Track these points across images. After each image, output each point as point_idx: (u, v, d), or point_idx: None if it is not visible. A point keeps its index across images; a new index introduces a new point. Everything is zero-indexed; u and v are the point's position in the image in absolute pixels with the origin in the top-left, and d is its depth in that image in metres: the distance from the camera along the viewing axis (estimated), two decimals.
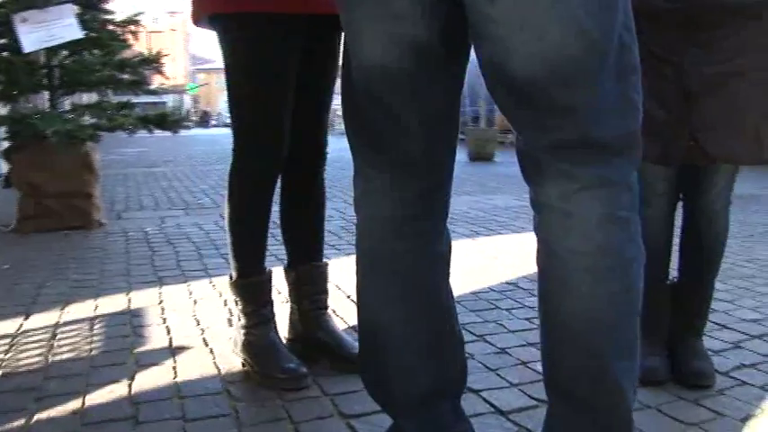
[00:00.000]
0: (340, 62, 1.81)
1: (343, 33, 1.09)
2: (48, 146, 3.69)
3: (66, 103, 4.23)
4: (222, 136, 14.64)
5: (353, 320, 2.15)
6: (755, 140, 1.51)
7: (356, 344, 1.76)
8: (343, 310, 2.33)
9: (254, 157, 1.68)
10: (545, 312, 1.03)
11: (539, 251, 1.04)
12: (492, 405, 1.59)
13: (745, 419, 1.50)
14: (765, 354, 1.90)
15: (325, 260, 1.92)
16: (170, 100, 30.90)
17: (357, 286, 1.15)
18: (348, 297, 2.48)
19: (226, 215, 1.78)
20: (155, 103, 9.50)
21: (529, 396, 1.62)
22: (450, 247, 1.17)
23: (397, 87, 1.02)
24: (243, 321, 1.82)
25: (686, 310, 1.77)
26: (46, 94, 4.11)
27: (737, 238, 3.63)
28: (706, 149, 1.51)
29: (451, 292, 1.17)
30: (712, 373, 1.69)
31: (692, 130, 1.51)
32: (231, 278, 1.82)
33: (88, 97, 4.55)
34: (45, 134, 3.62)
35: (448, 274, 1.17)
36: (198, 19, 1.69)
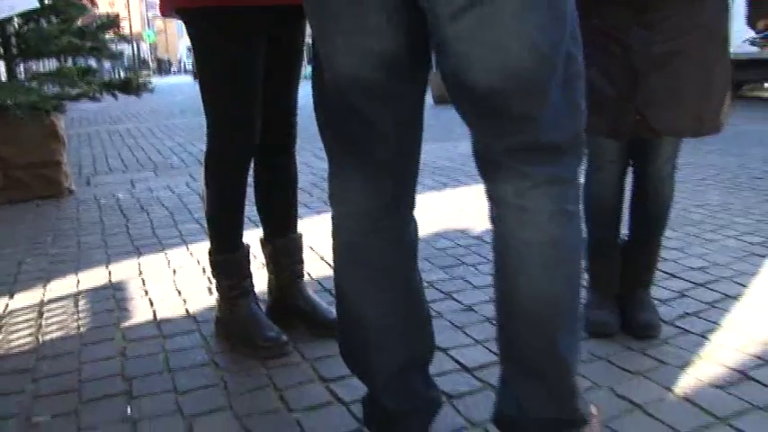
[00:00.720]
0: (304, 48, 1.88)
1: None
2: (11, 117, 3.67)
3: (24, 72, 4.16)
4: (184, 84, 14.34)
5: (328, 282, 2.28)
6: (696, 116, 1.63)
7: (331, 309, 1.89)
8: (317, 271, 2.45)
9: (227, 144, 1.75)
10: (501, 292, 1.15)
11: (495, 239, 1.15)
12: (458, 362, 1.74)
13: (684, 366, 1.68)
14: (708, 301, 2.08)
15: (299, 231, 2.02)
16: (127, 49, 29.96)
17: (336, 275, 1.25)
18: (321, 258, 2.59)
19: (204, 197, 1.85)
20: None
21: (493, 353, 1.77)
22: (417, 234, 1.28)
23: (371, 96, 1.10)
24: (224, 294, 1.92)
25: (635, 266, 1.92)
26: (2, 64, 4.05)
27: (690, 182, 3.81)
28: (651, 124, 1.63)
29: (420, 276, 1.29)
30: (658, 324, 1.85)
31: (639, 106, 1.62)
32: (211, 254, 1.91)
33: (47, 65, 4.46)
34: (7, 106, 3.59)
35: (416, 259, 1.28)
36: (166, 11, 1.73)
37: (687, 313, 2.00)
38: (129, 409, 1.57)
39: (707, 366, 1.67)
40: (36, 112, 3.63)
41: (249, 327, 1.87)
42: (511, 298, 1.13)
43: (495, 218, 1.15)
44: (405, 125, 1.17)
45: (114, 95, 4.32)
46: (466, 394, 1.57)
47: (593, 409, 1.37)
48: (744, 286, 2.19)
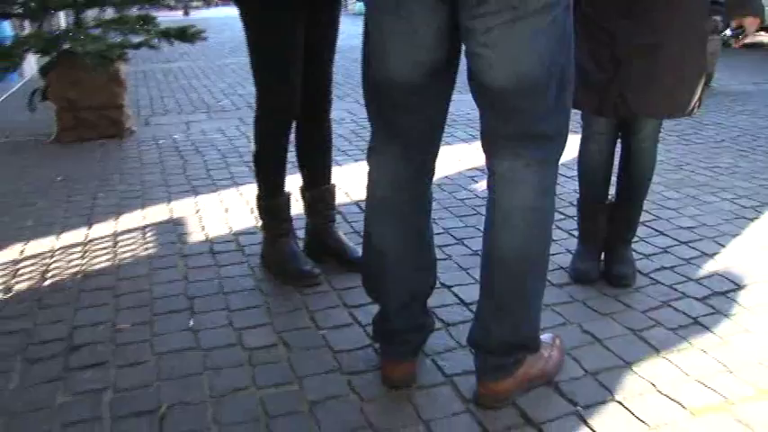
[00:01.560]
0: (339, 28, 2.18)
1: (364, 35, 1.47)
2: (80, 63, 4.06)
3: (90, 20, 4.53)
4: (230, 19, 14.50)
5: (358, 225, 2.64)
6: (669, 100, 1.90)
7: (357, 249, 2.25)
8: (350, 215, 2.81)
9: (272, 110, 2.09)
10: (488, 243, 1.49)
11: (489, 202, 1.48)
12: (458, 297, 2.09)
13: (647, 311, 1.99)
14: (685, 258, 2.36)
15: (332, 182, 2.37)
16: None
17: (366, 220, 1.61)
18: (356, 203, 2.94)
19: (252, 151, 2.21)
20: None
21: None
22: (432, 196, 1.62)
23: (413, 92, 1.43)
24: (268, 233, 2.30)
25: (618, 225, 2.22)
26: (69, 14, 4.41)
27: (708, 143, 4.00)
28: (629, 106, 1.90)
29: (432, 228, 1.64)
30: (633, 276, 2.16)
31: (620, 89, 1.89)
32: (258, 199, 2.28)
33: (108, 14, 4.81)
34: (77, 53, 3.98)
35: (430, 215, 1.62)
36: None
37: (664, 267, 2.30)
38: (191, 322, 1.98)
39: (666, 312, 1.99)
40: (103, 60, 4.01)
41: (288, 261, 2.26)
42: (494, 248, 1.48)
43: (491, 186, 1.48)
44: (435, 113, 1.51)
45: (171, 43, 4.66)
46: (459, 323, 1.93)
47: (557, 341, 1.72)
48: (722, 246, 2.46)
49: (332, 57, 2.19)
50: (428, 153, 1.55)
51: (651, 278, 2.22)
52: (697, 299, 2.06)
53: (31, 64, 6.79)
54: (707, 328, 1.89)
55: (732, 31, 1.89)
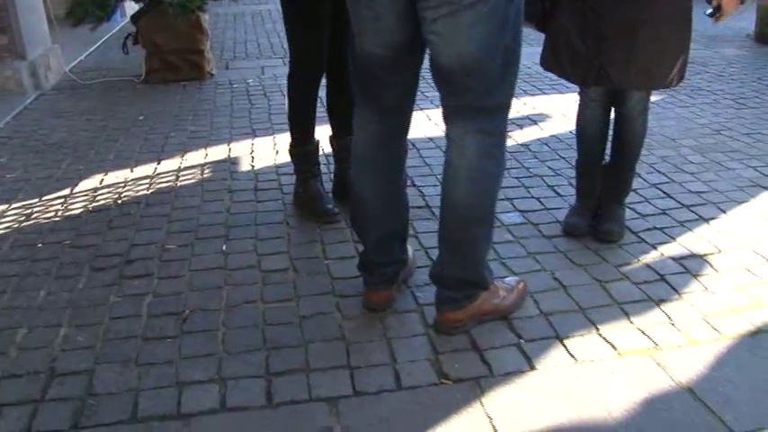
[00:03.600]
0: None
1: None
2: (166, 11, 4.49)
3: None
4: None
5: None
6: (647, 74, 2.04)
7: None
8: None
9: (303, 70, 2.42)
10: (443, 197, 1.76)
11: (444, 163, 1.74)
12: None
13: (620, 266, 2.19)
14: (680, 220, 2.50)
15: None
16: None
17: (351, 171, 1.91)
18: None
19: (287, 104, 2.54)
20: None
21: None
22: (407, 150, 1.90)
23: (385, 65, 1.71)
24: (299, 175, 2.64)
25: (610, 185, 2.39)
26: None
27: (763, 108, 3.95)
28: (611, 78, 2.06)
29: (404, 178, 1.92)
30: (618, 233, 2.34)
31: (603, 63, 2.06)
32: (291, 146, 2.62)
33: None
34: (162, 1, 4.41)
35: (403, 167, 1.90)
36: None
37: (655, 228, 2.46)
38: (224, 246, 2.37)
39: (637, 268, 2.18)
40: (184, 9, 4.42)
41: (315, 199, 2.60)
42: (446, 199, 1.75)
43: (446, 148, 1.73)
44: (406, 83, 1.78)
45: None
46: None
47: (521, 285, 1.98)
48: (723, 212, 2.57)
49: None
50: (400, 116, 1.81)
51: (638, 237, 2.39)
52: (673, 258, 2.23)
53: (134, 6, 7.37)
54: (670, 286, 2.07)
55: (712, 9, 1.99)
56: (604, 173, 2.40)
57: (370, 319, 1.92)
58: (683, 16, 2.01)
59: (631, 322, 1.90)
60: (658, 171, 2.97)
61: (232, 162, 3.21)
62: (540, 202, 2.69)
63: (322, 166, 2.74)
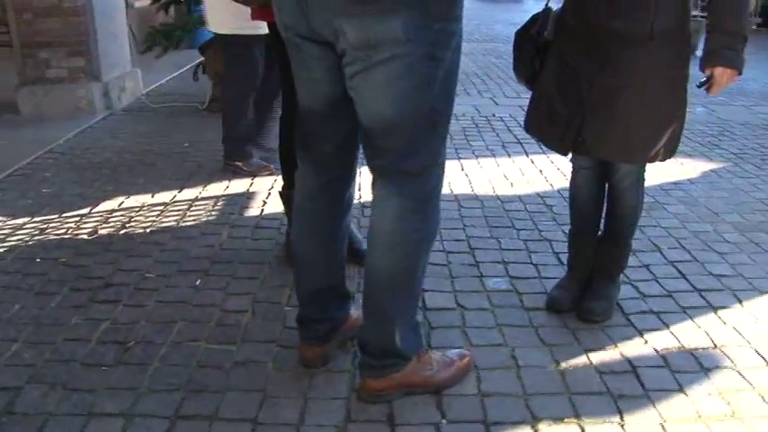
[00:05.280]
0: None
1: None
2: None
3: None
4: None
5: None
6: (625, 146, 1.88)
7: (363, 242, 2.50)
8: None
9: (293, 112, 2.41)
10: (365, 261, 1.69)
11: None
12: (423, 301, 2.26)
13: (590, 350, 2.00)
14: (685, 306, 2.25)
15: None
16: None
17: (291, 223, 1.88)
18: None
19: (276, 146, 2.55)
20: None
21: None
22: (349, 204, 1.84)
23: (316, 117, 1.68)
24: (288, 218, 2.63)
25: (602, 259, 2.20)
26: None
27: None
28: (587, 147, 1.91)
29: (345, 232, 1.85)
30: (600, 312, 2.13)
31: (581, 129, 1.91)
32: (282, 189, 2.62)
33: None
34: None
35: (345, 219, 1.84)
36: None
37: (652, 311, 2.23)
38: (198, 282, 2.39)
39: (610, 356, 1.97)
40: None
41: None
42: (367, 264, 1.69)
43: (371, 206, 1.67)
44: (341, 137, 1.72)
45: None
46: None
47: (465, 360, 1.85)
48: (739, 301, 2.30)
49: None
50: (336, 171, 1.75)
51: (628, 319, 2.18)
52: (656, 350, 2.01)
53: None
54: (639, 381, 1.86)
55: (705, 78, 1.81)
56: (598, 246, 2.22)
57: (299, 374, 1.86)
58: (674, 84, 1.85)
59: (575, 417, 1.72)
60: (683, 247, 2.72)
61: (247, 197, 3.26)
62: (537, 269, 2.53)
63: None
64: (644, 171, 2.07)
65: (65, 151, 3.95)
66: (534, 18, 2.03)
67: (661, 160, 1.92)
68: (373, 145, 1.58)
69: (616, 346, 2.03)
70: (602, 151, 1.92)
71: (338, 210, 1.81)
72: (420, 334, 1.80)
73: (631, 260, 2.57)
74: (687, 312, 2.23)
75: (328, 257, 1.83)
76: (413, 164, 1.57)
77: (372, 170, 1.63)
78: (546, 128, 1.99)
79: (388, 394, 1.73)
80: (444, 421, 1.68)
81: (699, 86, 1.83)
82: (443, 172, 1.67)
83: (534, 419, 1.70)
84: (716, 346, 2.04)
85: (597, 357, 1.97)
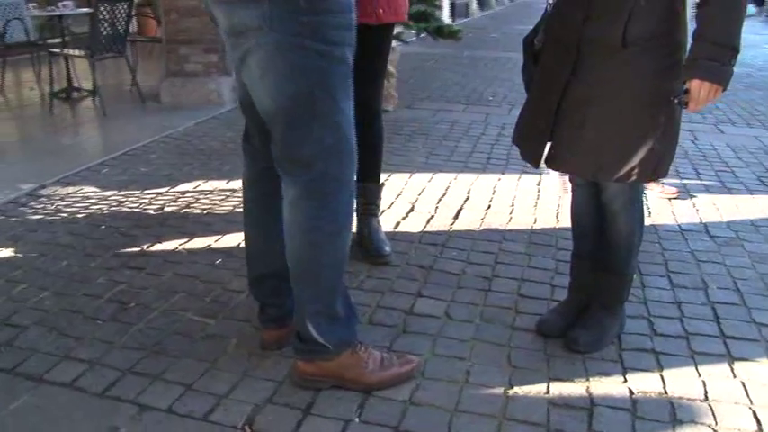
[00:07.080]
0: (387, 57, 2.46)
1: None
2: None
3: None
4: None
5: (400, 231, 2.88)
6: (594, 161, 1.73)
7: (386, 246, 2.54)
8: (397, 216, 3.03)
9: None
10: None
11: None
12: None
13: (557, 380, 1.85)
14: (698, 351, 2.01)
15: (381, 182, 2.68)
16: None
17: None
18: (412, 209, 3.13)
19: None
20: None
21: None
22: (279, 193, 1.86)
23: (245, 108, 1.78)
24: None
25: (599, 287, 2.03)
26: None
27: None
28: (556, 161, 1.79)
29: (281, 222, 1.88)
30: (584, 343, 1.96)
31: (553, 142, 1.79)
32: None
33: None
34: None
35: (280, 212, 1.82)
36: None
37: (654, 350, 2.02)
38: (218, 261, 2.58)
39: (575, 391, 1.82)
40: None
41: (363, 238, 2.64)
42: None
43: None
44: (262, 131, 1.75)
45: (434, 38, 5.22)
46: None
47: (409, 366, 1.83)
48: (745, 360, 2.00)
49: (380, 78, 2.50)
50: (266, 161, 1.75)
51: (619, 356, 1.99)
52: (632, 392, 1.82)
53: None
54: (588, 423, 1.71)
55: (683, 91, 1.61)
56: (593, 270, 2.05)
57: (253, 354, 1.95)
58: (653, 98, 1.66)
59: None
60: (737, 289, 2.41)
61: None
62: (550, 288, 2.38)
63: None
64: (640, 192, 1.88)
65: (178, 137, 4.39)
66: (536, 24, 1.94)
67: (639, 181, 1.74)
68: (269, 134, 1.64)
69: (587, 380, 1.87)
70: (571, 166, 1.78)
71: (272, 200, 1.80)
72: (350, 328, 1.79)
73: (665, 295, 2.37)
74: (695, 358, 1.99)
75: (267, 246, 1.89)
76: (298, 152, 1.60)
77: (275, 161, 1.67)
78: (524, 139, 1.89)
79: (318, 381, 1.76)
80: (357, 420, 1.68)
81: (672, 99, 1.63)
82: (342, 162, 1.64)
83: None
84: (706, 399, 1.80)
85: (558, 388, 1.83)
